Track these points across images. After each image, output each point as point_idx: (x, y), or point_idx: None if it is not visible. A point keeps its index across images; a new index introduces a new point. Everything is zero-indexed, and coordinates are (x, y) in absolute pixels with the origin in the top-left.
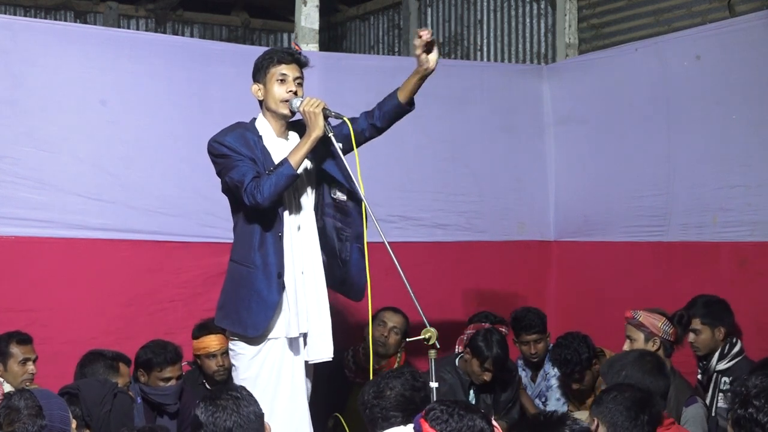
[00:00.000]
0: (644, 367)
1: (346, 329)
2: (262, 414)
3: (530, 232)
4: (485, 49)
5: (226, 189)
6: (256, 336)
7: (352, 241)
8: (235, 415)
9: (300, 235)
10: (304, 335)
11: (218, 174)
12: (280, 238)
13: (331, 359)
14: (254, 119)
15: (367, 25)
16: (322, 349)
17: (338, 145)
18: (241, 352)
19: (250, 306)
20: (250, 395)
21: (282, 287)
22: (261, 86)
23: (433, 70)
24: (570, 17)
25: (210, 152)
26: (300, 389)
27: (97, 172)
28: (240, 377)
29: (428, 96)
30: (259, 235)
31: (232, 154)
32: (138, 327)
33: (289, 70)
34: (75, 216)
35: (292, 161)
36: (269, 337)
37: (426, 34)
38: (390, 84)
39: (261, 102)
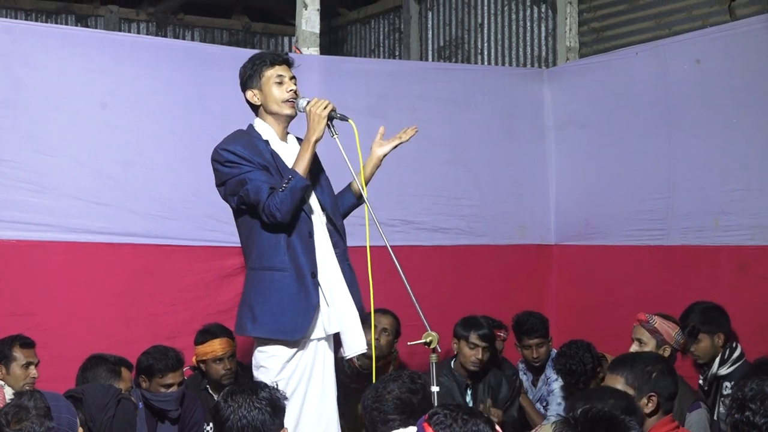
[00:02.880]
0: (671, 370)
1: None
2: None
3: (531, 236)
4: (486, 52)
5: (236, 198)
6: (300, 339)
7: (342, 260)
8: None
9: (315, 233)
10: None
11: (221, 183)
12: (310, 236)
13: (365, 350)
14: (251, 125)
15: (368, 29)
16: (356, 342)
17: (342, 148)
18: (275, 353)
19: (290, 310)
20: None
21: (317, 285)
22: (256, 91)
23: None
24: (571, 21)
25: (216, 160)
26: (330, 388)
27: (98, 175)
28: (272, 380)
29: (429, 100)
30: (285, 238)
31: (243, 162)
32: (139, 331)
33: (283, 71)
34: (75, 219)
35: (300, 170)
36: (310, 338)
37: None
38: (391, 88)
39: (257, 107)
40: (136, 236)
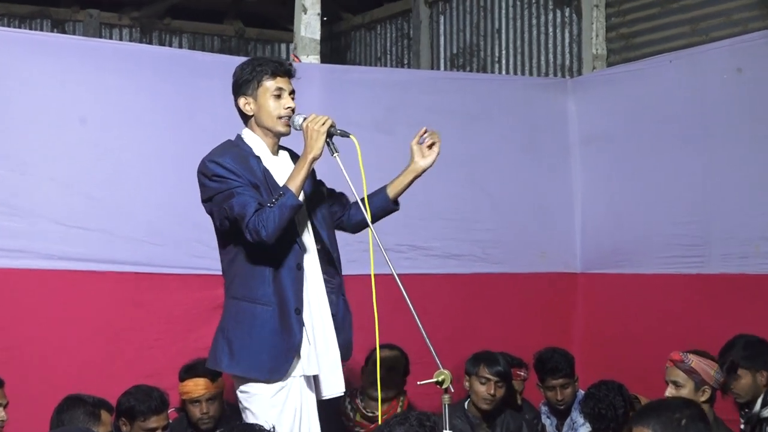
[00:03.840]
0: (702, 415)
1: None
2: None
3: (554, 263)
4: (504, 61)
5: (220, 213)
6: (278, 380)
7: (338, 293)
8: None
9: (306, 265)
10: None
11: (206, 199)
12: (299, 269)
13: (343, 393)
14: (240, 137)
15: (374, 35)
16: (334, 384)
17: (342, 167)
18: (257, 392)
19: (269, 349)
20: None
21: (301, 323)
22: (251, 100)
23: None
24: (597, 26)
25: (202, 173)
26: (315, 430)
27: (77, 197)
28: (260, 422)
29: (441, 113)
30: (272, 270)
31: (232, 177)
32: (121, 368)
33: (284, 84)
34: (52, 245)
35: (294, 188)
36: (291, 374)
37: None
38: (399, 100)
39: (248, 117)
40: (119, 263)
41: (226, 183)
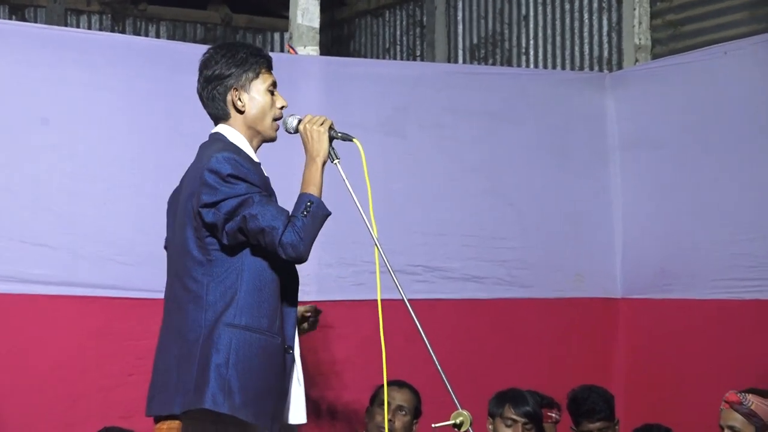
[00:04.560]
0: None
1: (345, 413)
2: None
3: (590, 288)
4: (532, 52)
5: (233, 225)
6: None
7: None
8: None
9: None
10: None
11: (211, 204)
12: (294, 304)
13: (305, 422)
14: (223, 137)
15: (381, 23)
16: (297, 411)
17: (344, 176)
18: None
19: (275, 389)
20: None
21: (293, 362)
22: (243, 95)
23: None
24: (641, 12)
25: (213, 171)
26: None
27: (37, 209)
28: None
29: (458, 112)
30: (278, 295)
31: (251, 180)
32: (87, 409)
33: (274, 79)
34: (7, 266)
35: (319, 196)
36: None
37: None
38: (410, 97)
39: (228, 115)
40: (85, 287)
41: (245, 187)
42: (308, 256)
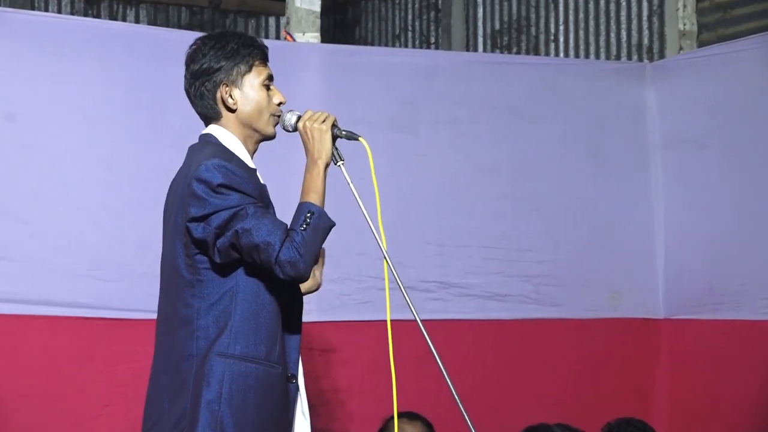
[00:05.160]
0: None
1: None
2: None
3: (629, 307)
4: (562, 39)
5: (224, 241)
6: None
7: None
8: None
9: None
10: None
11: (200, 217)
12: (298, 328)
13: None
14: (215, 138)
15: (391, 6)
16: None
17: (348, 179)
18: None
19: (283, 425)
20: None
21: (297, 391)
22: (235, 91)
23: None
24: None
25: (202, 180)
26: None
27: (1, 218)
28: None
29: (477, 107)
30: (278, 321)
31: (244, 190)
32: None
33: (269, 71)
34: None
35: (319, 203)
36: None
37: None
38: (422, 90)
39: (220, 114)
40: (56, 305)
41: (237, 198)
42: (309, 274)
